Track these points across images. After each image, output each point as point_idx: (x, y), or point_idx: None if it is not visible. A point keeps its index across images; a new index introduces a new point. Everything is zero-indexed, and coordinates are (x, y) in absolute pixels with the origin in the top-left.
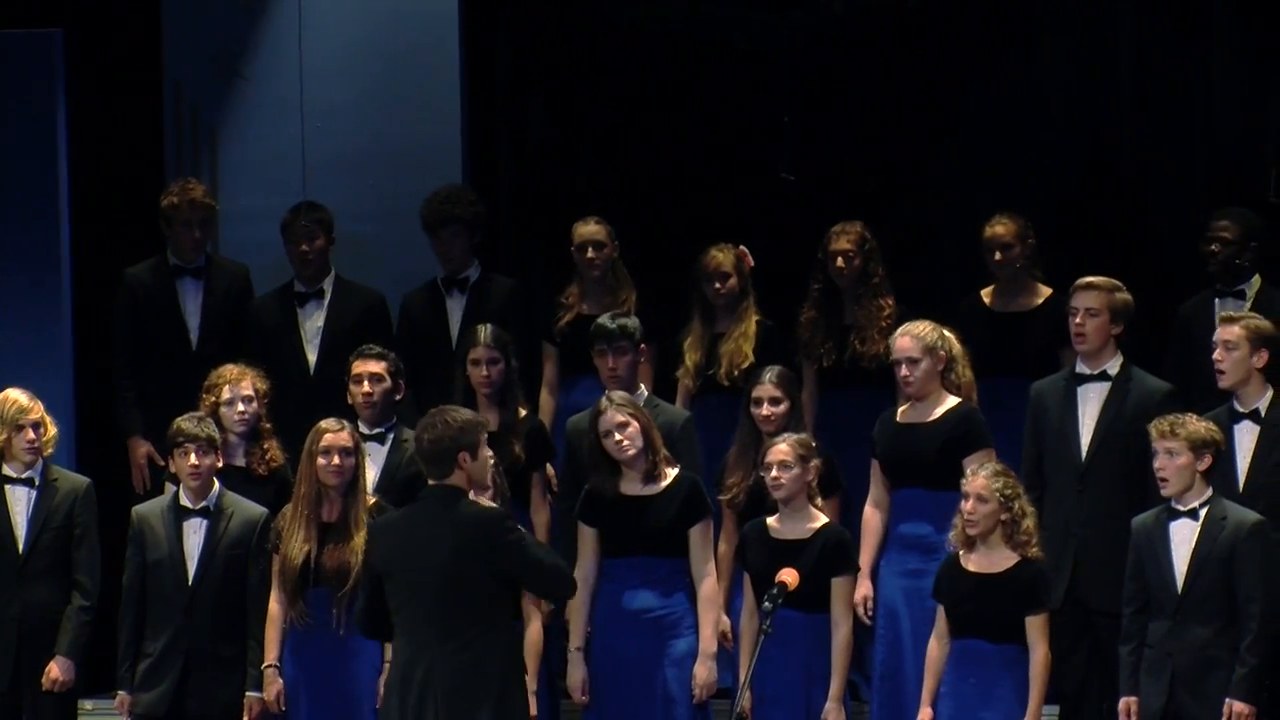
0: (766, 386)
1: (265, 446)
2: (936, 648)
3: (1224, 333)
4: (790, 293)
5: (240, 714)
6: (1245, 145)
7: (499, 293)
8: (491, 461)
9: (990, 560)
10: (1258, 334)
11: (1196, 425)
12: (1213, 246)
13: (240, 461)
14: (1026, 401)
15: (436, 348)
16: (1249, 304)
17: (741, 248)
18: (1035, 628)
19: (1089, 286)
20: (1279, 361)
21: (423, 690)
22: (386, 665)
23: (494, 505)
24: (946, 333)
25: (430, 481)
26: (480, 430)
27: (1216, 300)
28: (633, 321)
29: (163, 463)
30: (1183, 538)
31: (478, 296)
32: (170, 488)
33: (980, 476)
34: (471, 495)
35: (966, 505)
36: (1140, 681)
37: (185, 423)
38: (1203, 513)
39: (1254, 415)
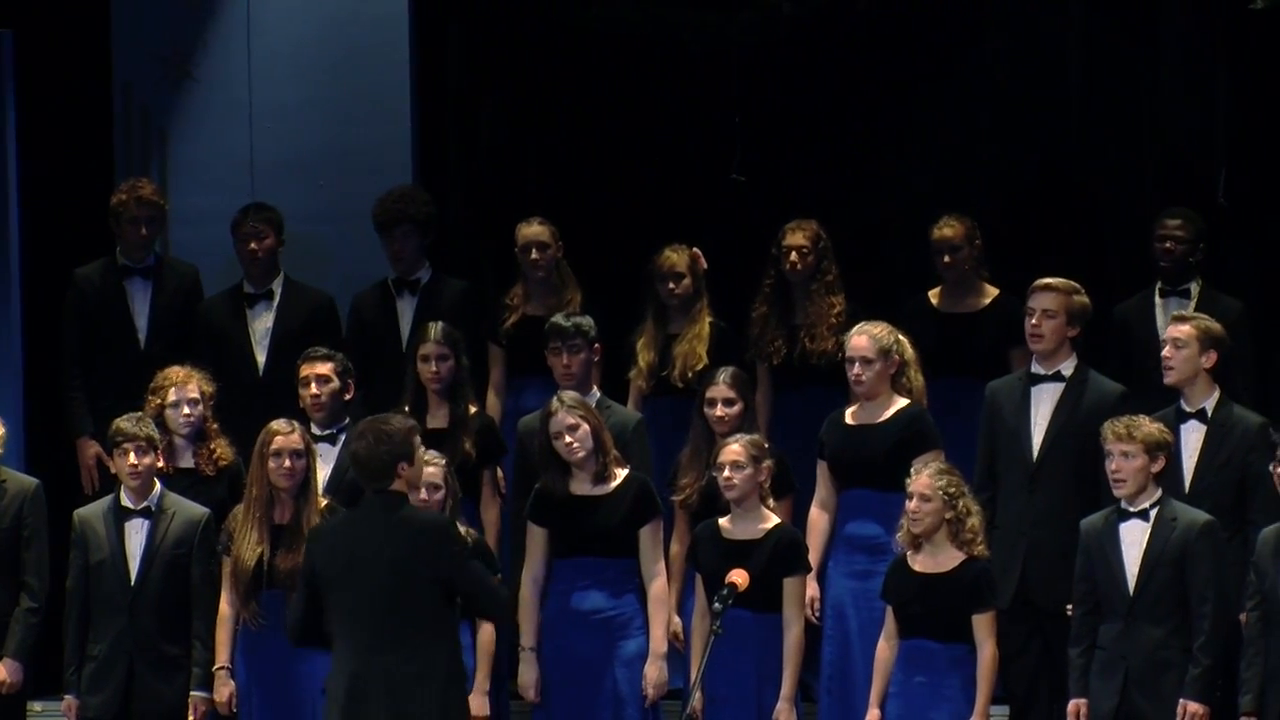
0: (720, 387)
1: (213, 446)
2: (885, 649)
3: (1174, 330)
4: (743, 294)
5: (186, 714)
6: (1194, 147)
7: (450, 295)
8: (442, 461)
9: (936, 560)
10: (1208, 334)
11: (1150, 427)
12: (1167, 244)
13: (188, 463)
14: (974, 402)
15: (387, 348)
16: (1192, 304)
17: (695, 249)
18: (982, 626)
19: (1047, 288)
20: (1226, 363)
21: (366, 700)
22: None
23: (438, 512)
24: (901, 337)
25: (371, 489)
26: (414, 435)
27: (1159, 300)
28: (587, 320)
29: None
30: (1133, 539)
31: (429, 298)
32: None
33: (924, 475)
34: (423, 495)
35: (910, 504)
36: (1091, 683)
37: (124, 423)
38: (1153, 514)
39: (1200, 415)
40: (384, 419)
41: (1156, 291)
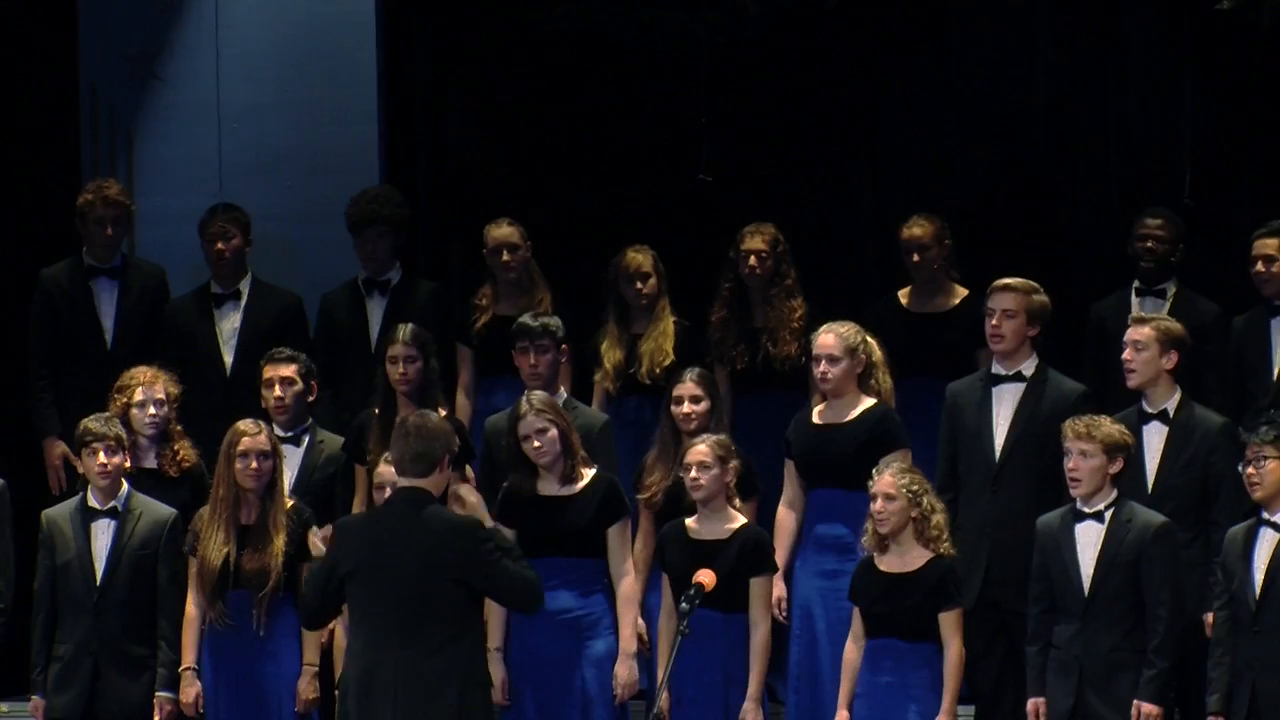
0: (688, 385)
1: (176, 448)
2: (854, 650)
3: (1134, 333)
4: (705, 295)
5: (151, 714)
6: (1160, 148)
7: (420, 296)
8: None
9: (903, 560)
10: (1168, 335)
11: (1110, 428)
12: (1149, 244)
13: (151, 464)
14: (943, 402)
15: (356, 349)
16: (1168, 304)
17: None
18: (948, 624)
19: (1006, 288)
20: (1188, 364)
21: (382, 696)
22: (306, 668)
23: (468, 515)
24: (869, 338)
25: (401, 482)
26: (454, 437)
27: (1136, 299)
28: (554, 320)
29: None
30: (1089, 540)
31: (399, 299)
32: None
33: (886, 475)
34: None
35: (875, 505)
36: (1048, 682)
37: (92, 423)
38: (1109, 515)
39: (1162, 416)
40: (429, 413)
41: (1133, 291)
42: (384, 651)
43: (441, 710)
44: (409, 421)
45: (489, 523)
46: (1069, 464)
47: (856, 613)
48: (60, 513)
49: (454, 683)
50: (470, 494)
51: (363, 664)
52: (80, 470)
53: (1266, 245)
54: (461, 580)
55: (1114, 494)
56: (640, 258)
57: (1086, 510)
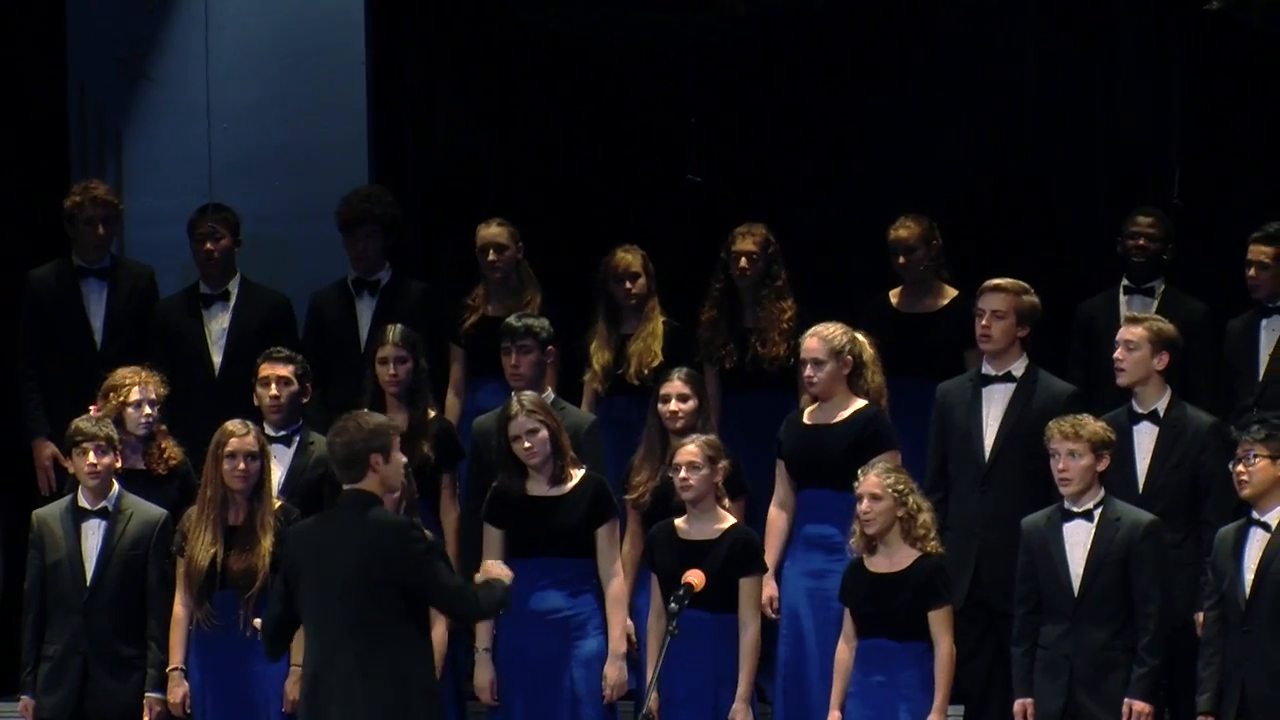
0: (675, 384)
1: (162, 446)
2: (845, 650)
3: (1126, 333)
4: (695, 295)
5: (140, 715)
6: (1149, 148)
7: (410, 296)
8: (401, 461)
9: (891, 559)
10: (1160, 336)
11: (1095, 426)
12: (1140, 242)
13: (139, 464)
14: (932, 402)
15: (345, 349)
16: (1156, 303)
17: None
18: (938, 622)
19: (996, 289)
20: (1179, 364)
21: (327, 697)
22: (294, 668)
23: (402, 515)
24: (860, 336)
25: (344, 487)
26: (392, 434)
27: (1124, 298)
28: (540, 322)
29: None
30: (1077, 539)
31: (389, 299)
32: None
33: (871, 475)
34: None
35: (861, 505)
36: (1036, 683)
37: (83, 423)
38: (1097, 514)
39: (1153, 416)
40: (366, 413)
41: (1121, 289)
42: (330, 654)
43: (382, 713)
44: (333, 427)
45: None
46: (1058, 465)
47: (848, 613)
48: (51, 513)
49: (393, 686)
50: (495, 568)
51: (309, 667)
52: (70, 470)
53: (1259, 251)
54: (396, 581)
55: (1101, 493)
56: (629, 258)
57: (1075, 510)
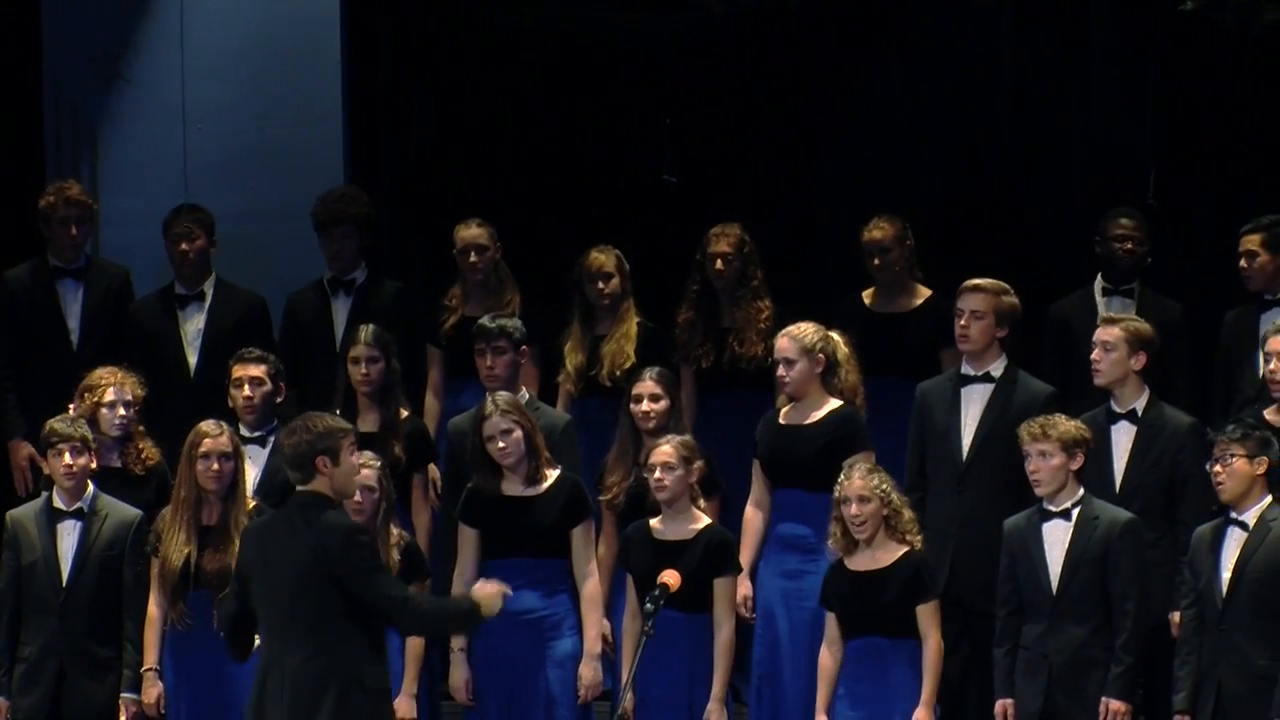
0: (647, 384)
1: (140, 446)
2: (827, 656)
3: (1103, 333)
4: (670, 295)
5: (117, 716)
6: (1123, 148)
7: (385, 296)
8: (377, 463)
9: (874, 557)
10: (1137, 336)
11: (1067, 425)
12: (1126, 244)
13: (116, 463)
14: (906, 402)
15: (320, 348)
16: (1135, 304)
17: (615, 250)
18: (925, 616)
19: (976, 289)
20: (1156, 364)
21: (272, 699)
22: None
23: (347, 517)
24: (835, 335)
25: (297, 488)
26: (342, 437)
27: (1102, 299)
28: (513, 322)
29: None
30: (1056, 538)
31: (364, 299)
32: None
33: (856, 478)
34: (357, 498)
35: (850, 509)
36: (1016, 683)
37: (58, 423)
38: (1075, 513)
39: (1131, 416)
40: (320, 415)
41: (1098, 290)
42: (275, 654)
43: (321, 714)
44: (286, 428)
45: (497, 606)
46: (1030, 466)
47: (831, 618)
48: (25, 513)
49: (336, 685)
50: (485, 587)
51: (262, 665)
52: (46, 471)
53: (1249, 241)
54: (339, 581)
55: (1080, 492)
56: (603, 258)
57: (1053, 509)
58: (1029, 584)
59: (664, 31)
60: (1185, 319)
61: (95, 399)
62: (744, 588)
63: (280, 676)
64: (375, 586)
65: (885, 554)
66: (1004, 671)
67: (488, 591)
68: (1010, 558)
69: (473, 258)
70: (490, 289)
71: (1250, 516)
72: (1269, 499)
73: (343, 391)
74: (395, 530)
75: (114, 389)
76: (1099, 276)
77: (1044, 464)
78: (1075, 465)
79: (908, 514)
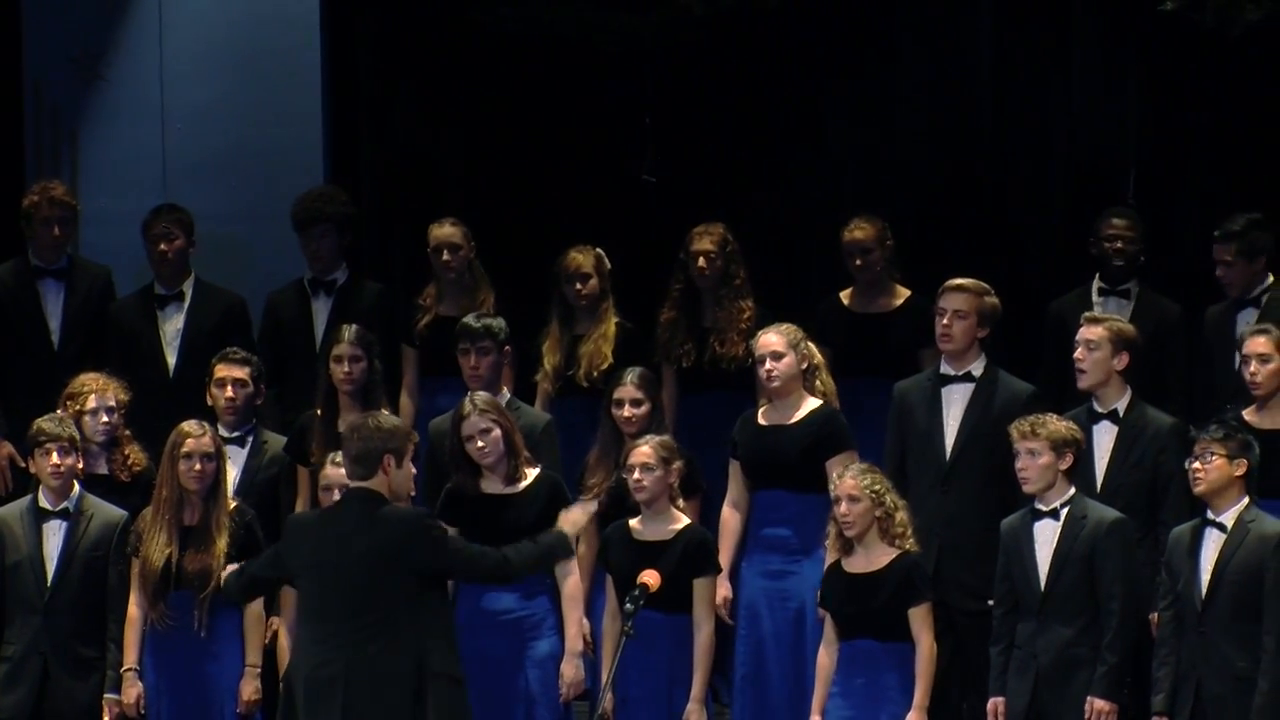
0: (628, 388)
1: (126, 452)
2: (825, 656)
3: (1087, 333)
4: (652, 295)
5: (100, 716)
6: (1104, 147)
7: (366, 296)
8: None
9: (869, 559)
10: (1120, 336)
11: (1057, 425)
12: (1119, 244)
13: (102, 469)
14: (884, 402)
15: (300, 348)
16: (1132, 304)
17: (598, 249)
18: (918, 618)
19: (958, 289)
20: (1139, 364)
21: (329, 694)
22: (249, 668)
23: (415, 507)
24: (808, 341)
25: (351, 484)
26: (408, 439)
27: (1098, 299)
28: (497, 322)
29: (24, 464)
30: (1045, 537)
31: (344, 299)
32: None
33: (848, 477)
34: (335, 495)
35: (840, 508)
36: (1008, 681)
37: (46, 423)
38: (1064, 512)
39: (1112, 415)
40: (385, 414)
41: (1095, 290)
42: (335, 650)
43: (392, 707)
44: (350, 423)
45: (582, 524)
46: (1018, 464)
47: (829, 618)
48: (11, 513)
49: (409, 679)
50: (573, 512)
51: (313, 662)
52: (31, 470)
53: (1223, 251)
54: (418, 570)
55: (1070, 491)
56: (581, 258)
57: (1043, 508)
58: (1020, 583)
59: (644, 31)
60: (1184, 319)
61: (77, 406)
62: (723, 589)
63: (344, 672)
64: (471, 559)
65: (878, 556)
66: (998, 670)
67: (573, 517)
68: (1005, 557)
69: (446, 256)
70: (464, 288)
71: (1228, 518)
72: (1246, 500)
73: (324, 390)
74: None
75: (95, 396)
76: (1096, 276)
77: (1032, 462)
78: (1064, 465)
79: (901, 516)
